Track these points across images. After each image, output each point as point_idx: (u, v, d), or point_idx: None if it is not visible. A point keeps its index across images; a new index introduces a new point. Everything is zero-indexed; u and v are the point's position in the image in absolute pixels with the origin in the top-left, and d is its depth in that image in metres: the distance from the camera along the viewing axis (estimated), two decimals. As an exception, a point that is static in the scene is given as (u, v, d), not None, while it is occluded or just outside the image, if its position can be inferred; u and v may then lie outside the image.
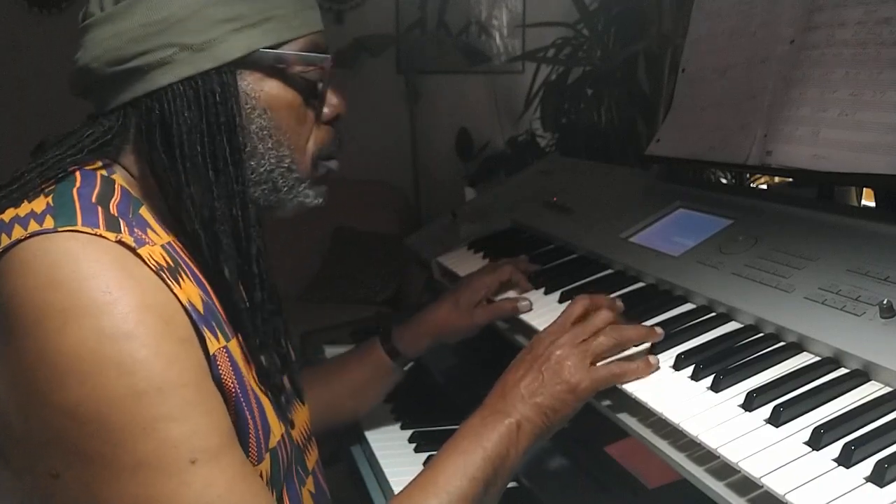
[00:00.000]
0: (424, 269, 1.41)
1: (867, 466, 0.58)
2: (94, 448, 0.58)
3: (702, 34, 1.20)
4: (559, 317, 0.85)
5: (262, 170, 0.75)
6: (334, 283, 2.98)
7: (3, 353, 0.60)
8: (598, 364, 0.80)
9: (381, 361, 1.09)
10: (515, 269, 1.08)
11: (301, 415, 0.86)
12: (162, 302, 0.63)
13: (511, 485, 0.97)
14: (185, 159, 0.70)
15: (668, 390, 0.75)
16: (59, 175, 0.69)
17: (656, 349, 0.81)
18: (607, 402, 0.80)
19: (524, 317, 1.00)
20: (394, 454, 1.10)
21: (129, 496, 0.59)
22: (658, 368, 0.78)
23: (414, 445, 1.11)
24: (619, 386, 0.78)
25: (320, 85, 0.77)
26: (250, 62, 0.72)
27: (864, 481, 0.57)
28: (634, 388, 0.77)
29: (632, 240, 1.08)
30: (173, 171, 0.70)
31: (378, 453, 1.10)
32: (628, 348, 0.82)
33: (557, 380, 0.78)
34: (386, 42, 3.26)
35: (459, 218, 1.46)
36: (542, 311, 0.99)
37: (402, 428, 1.17)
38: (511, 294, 1.07)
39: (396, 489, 0.86)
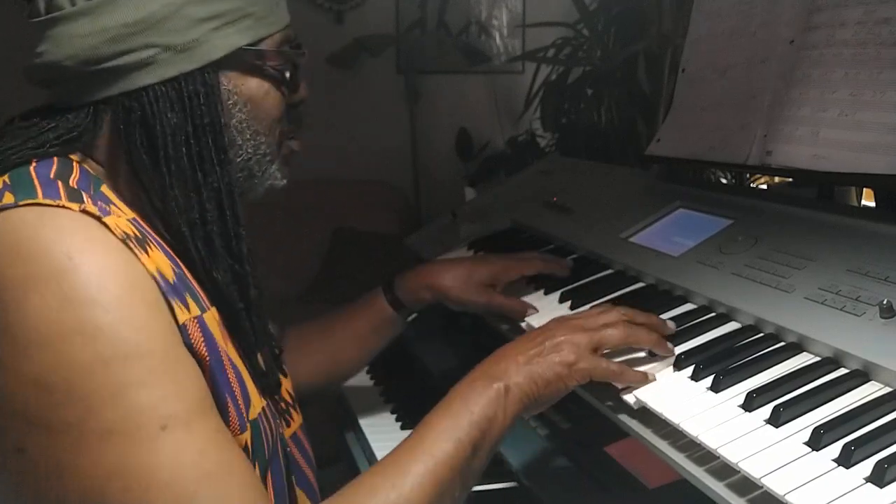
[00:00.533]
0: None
1: (867, 467, 0.58)
2: (61, 417, 0.57)
3: (702, 34, 1.20)
4: (583, 312, 0.85)
5: (239, 160, 0.75)
6: (334, 283, 2.98)
7: None
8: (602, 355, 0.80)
9: (384, 312, 1.10)
10: (544, 267, 1.06)
11: (283, 384, 0.86)
12: (127, 268, 0.61)
13: (511, 485, 0.98)
14: (169, 161, 0.69)
15: (668, 390, 0.75)
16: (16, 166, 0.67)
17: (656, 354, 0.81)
18: (609, 403, 0.80)
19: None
20: (394, 454, 1.10)
21: (99, 465, 0.57)
22: (655, 380, 0.78)
23: (414, 446, 1.11)
24: (619, 388, 0.78)
25: (288, 74, 0.78)
26: (232, 61, 0.73)
27: (864, 482, 0.57)
28: (634, 388, 0.77)
29: (632, 240, 1.08)
30: (157, 173, 0.69)
31: (378, 454, 1.11)
32: (637, 348, 0.81)
33: (556, 354, 0.78)
34: (386, 42, 3.26)
35: (459, 218, 1.46)
36: (542, 311, 0.99)
37: (403, 428, 1.18)
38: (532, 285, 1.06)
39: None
